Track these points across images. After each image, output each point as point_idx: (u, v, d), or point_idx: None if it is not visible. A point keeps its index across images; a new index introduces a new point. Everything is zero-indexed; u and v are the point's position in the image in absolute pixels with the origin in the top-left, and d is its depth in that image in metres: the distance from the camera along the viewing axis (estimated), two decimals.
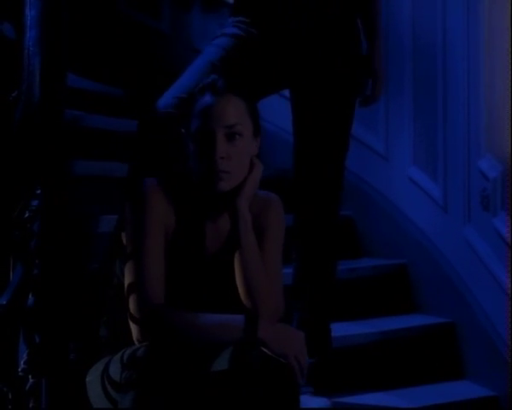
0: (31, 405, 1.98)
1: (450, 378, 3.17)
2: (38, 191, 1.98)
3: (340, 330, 2.97)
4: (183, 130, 2.04)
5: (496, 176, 3.00)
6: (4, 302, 1.91)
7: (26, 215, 1.97)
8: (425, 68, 3.35)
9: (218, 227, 2.05)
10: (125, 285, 1.96)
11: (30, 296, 1.99)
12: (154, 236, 1.97)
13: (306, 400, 2.62)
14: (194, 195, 2.03)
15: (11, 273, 1.97)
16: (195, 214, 2.03)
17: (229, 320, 1.91)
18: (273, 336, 1.90)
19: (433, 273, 3.34)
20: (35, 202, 1.98)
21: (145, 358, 1.85)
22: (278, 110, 3.84)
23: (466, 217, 3.16)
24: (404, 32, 3.41)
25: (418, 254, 3.41)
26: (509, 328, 2.92)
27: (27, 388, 1.98)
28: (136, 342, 1.93)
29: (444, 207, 3.27)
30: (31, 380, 1.99)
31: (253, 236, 2.00)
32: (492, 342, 3.05)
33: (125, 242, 2.01)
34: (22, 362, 1.98)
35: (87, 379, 2.02)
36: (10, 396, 1.93)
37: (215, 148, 1.94)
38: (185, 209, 2.03)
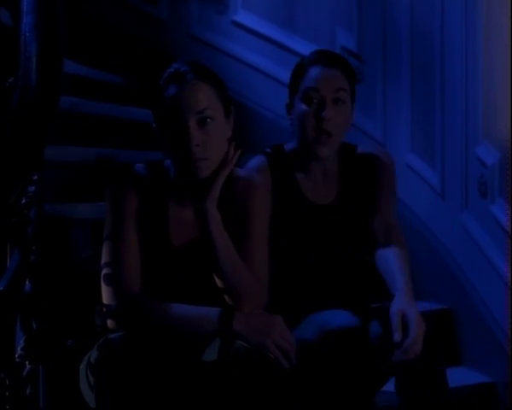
0: (28, 391, 1.99)
1: (448, 365, 3.17)
2: (35, 177, 1.98)
3: None
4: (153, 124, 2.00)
5: (493, 163, 2.99)
6: (1, 289, 1.91)
7: (23, 201, 1.96)
8: (423, 54, 3.34)
9: (193, 217, 2.02)
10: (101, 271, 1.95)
11: (27, 283, 1.99)
12: (129, 224, 1.95)
13: None
14: (170, 183, 2.01)
15: (8, 260, 1.97)
16: (166, 203, 2.00)
17: (203, 312, 1.89)
18: (248, 327, 1.88)
19: (430, 260, 3.34)
20: (32, 188, 1.97)
21: (115, 341, 1.84)
22: (275, 97, 3.83)
23: (463, 204, 3.16)
24: (402, 18, 3.40)
25: (415, 241, 3.40)
26: (508, 316, 2.92)
27: (24, 374, 1.98)
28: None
29: (441, 193, 3.27)
30: (28, 366, 1.99)
31: (226, 234, 1.94)
32: (490, 329, 3.05)
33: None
34: (19, 348, 1.98)
35: (80, 368, 2.01)
36: (8, 382, 1.93)
37: (189, 136, 1.90)
38: (158, 198, 2.00)
